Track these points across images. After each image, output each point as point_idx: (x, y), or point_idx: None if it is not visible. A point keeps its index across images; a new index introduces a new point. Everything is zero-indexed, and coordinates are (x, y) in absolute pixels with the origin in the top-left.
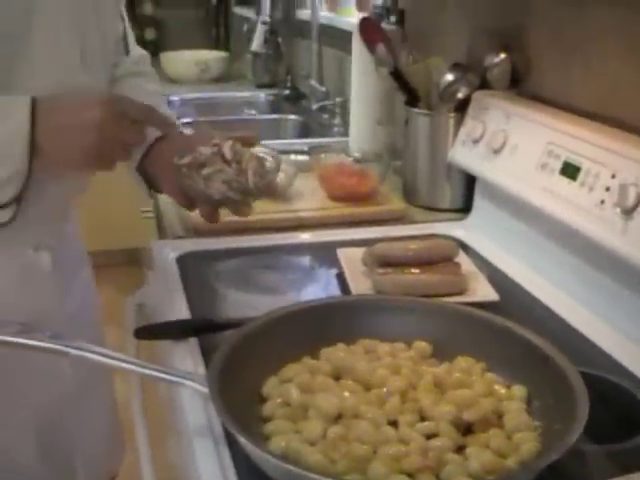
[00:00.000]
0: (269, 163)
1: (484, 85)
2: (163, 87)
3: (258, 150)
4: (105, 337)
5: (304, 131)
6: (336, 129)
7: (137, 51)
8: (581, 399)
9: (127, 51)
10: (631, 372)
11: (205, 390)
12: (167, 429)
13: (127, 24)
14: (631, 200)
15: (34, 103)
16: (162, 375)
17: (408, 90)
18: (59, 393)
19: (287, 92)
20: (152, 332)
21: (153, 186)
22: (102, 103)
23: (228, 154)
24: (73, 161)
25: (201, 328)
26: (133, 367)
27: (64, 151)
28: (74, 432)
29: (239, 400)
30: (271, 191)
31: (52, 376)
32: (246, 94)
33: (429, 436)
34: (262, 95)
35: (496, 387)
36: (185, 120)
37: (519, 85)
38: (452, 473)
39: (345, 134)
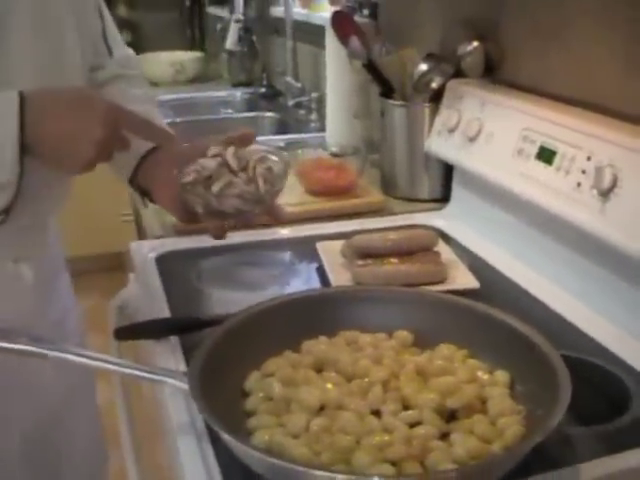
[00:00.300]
0: (276, 166)
1: (458, 74)
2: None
3: (259, 149)
4: (89, 343)
5: (281, 128)
6: (313, 125)
7: (123, 51)
8: (564, 382)
9: (110, 51)
10: (613, 354)
11: (186, 387)
12: (153, 431)
13: (109, 23)
14: (607, 182)
15: (22, 102)
16: (143, 374)
17: (382, 82)
18: (43, 404)
19: (263, 90)
20: (132, 332)
21: (148, 197)
22: (104, 120)
23: (234, 164)
24: (62, 167)
25: (182, 326)
26: (113, 367)
27: (56, 159)
28: (59, 442)
29: (222, 396)
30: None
31: (36, 387)
32: (222, 93)
33: (413, 424)
34: (238, 94)
35: (479, 373)
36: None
37: (493, 73)
38: (437, 460)
39: (322, 129)
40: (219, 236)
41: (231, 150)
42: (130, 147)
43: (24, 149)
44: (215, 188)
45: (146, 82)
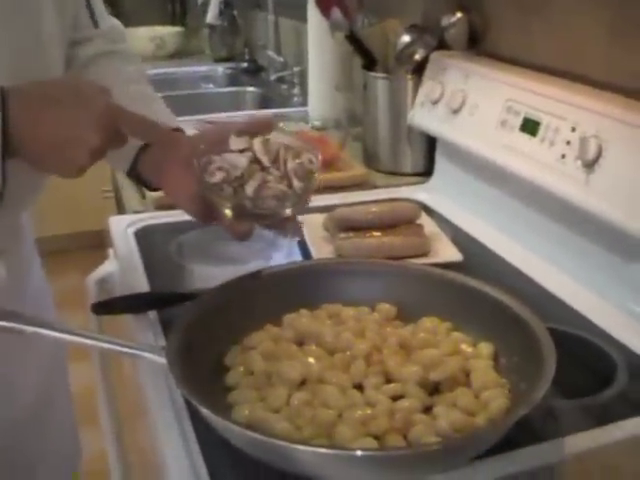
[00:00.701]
0: (306, 158)
1: (441, 46)
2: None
3: (283, 140)
4: (70, 321)
5: (263, 103)
6: (295, 99)
7: (108, 22)
8: (548, 354)
9: (95, 23)
10: (599, 327)
11: (164, 362)
12: (134, 410)
13: None
14: (592, 153)
15: (4, 100)
16: (120, 348)
17: (365, 54)
18: (17, 403)
19: (245, 65)
20: (110, 307)
21: (150, 188)
22: (102, 125)
23: (265, 160)
24: (52, 172)
25: (161, 301)
26: (90, 341)
27: (47, 165)
28: (33, 441)
29: (202, 371)
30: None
31: (9, 386)
32: (204, 68)
33: (396, 398)
34: (220, 69)
35: (463, 346)
36: None
37: (477, 44)
38: (420, 433)
39: (305, 104)
40: (245, 238)
41: (258, 142)
42: (127, 143)
43: (7, 153)
44: (249, 189)
45: (137, 56)
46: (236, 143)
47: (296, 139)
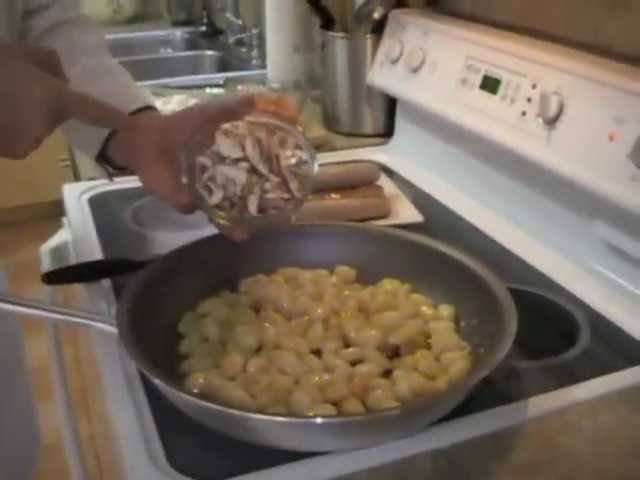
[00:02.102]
0: (304, 157)
1: (400, 4)
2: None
3: (269, 123)
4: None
5: (222, 66)
6: (254, 62)
7: None
8: (509, 315)
9: None
10: (561, 286)
11: (114, 330)
12: (91, 383)
13: None
14: (553, 110)
15: None
16: (70, 318)
17: (323, 13)
18: None
19: (203, 28)
20: (61, 276)
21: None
22: (48, 117)
23: (263, 167)
24: None
25: (114, 269)
26: (37, 311)
27: None
28: None
29: (155, 339)
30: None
31: None
32: (162, 33)
33: (355, 362)
34: (178, 33)
35: (423, 308)
36: None
37: (436, 2)
38: (379, 398)
39: (264, 66)
40: (241, 239)
41: (250, 145)
42: None
43: None
44: (252, 207)
45: (94, 24)
46: (229, 149)
47: (278, 121)
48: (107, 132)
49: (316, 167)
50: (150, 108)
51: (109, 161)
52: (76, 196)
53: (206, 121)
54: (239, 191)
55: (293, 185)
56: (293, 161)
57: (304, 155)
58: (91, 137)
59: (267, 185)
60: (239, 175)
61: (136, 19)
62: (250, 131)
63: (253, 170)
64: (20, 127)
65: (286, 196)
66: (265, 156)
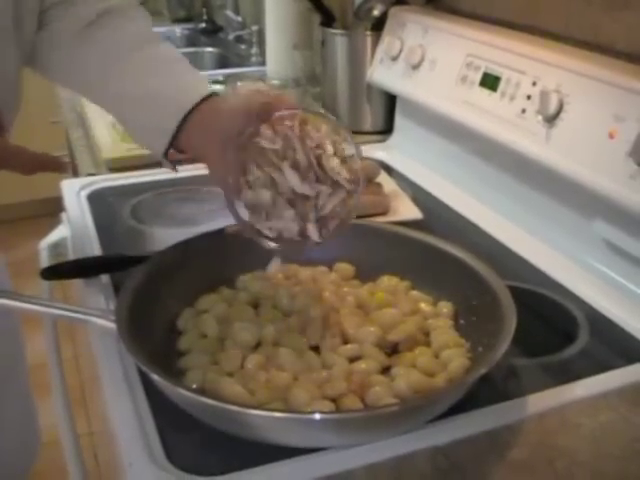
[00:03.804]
0: (347, 150)
1: (400, 1)
2: None
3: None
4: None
5: (222, 63)
6: (254, 59)
7: None
8: (508, 312)
9: None
10: (560, 284)
11: (113, 326)
12: (90, 379)
13: None
14: (553, 107)
15: None
16: (68, 314)
17: (323, 10)
18: None
19: (203, 25)
20: (60, 272)
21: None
22: None
23: (308, 189)
24: None
25: (112, 264)
26: (36, 307)
27: None
28: None
29: (154, 335)
30: None
31: None
32: (162, 29)
33: (354, 359)
34: (178, 30)
35: (422, 305)
36: None
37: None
38: (378, 395)
39: (263, 63)
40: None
41: (290, 172)
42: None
43: None
44: (315, 236)
45: (141, 9)
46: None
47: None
48: (176, 123)
49: (360, 151)
50: (214, 94)
51: (177, 148)
52: (75, 192)
53: (250, 120)
54: (296, 236)
55: (342, 181)
56: (336, 162)
57: (344, 145)
58: (157, 132)
59: (320, 201)
60: (286, 225)
61: None
62: (283, 149)
63: (303, 196)
64: None
65: (342, 196)
66: (306, 166)
